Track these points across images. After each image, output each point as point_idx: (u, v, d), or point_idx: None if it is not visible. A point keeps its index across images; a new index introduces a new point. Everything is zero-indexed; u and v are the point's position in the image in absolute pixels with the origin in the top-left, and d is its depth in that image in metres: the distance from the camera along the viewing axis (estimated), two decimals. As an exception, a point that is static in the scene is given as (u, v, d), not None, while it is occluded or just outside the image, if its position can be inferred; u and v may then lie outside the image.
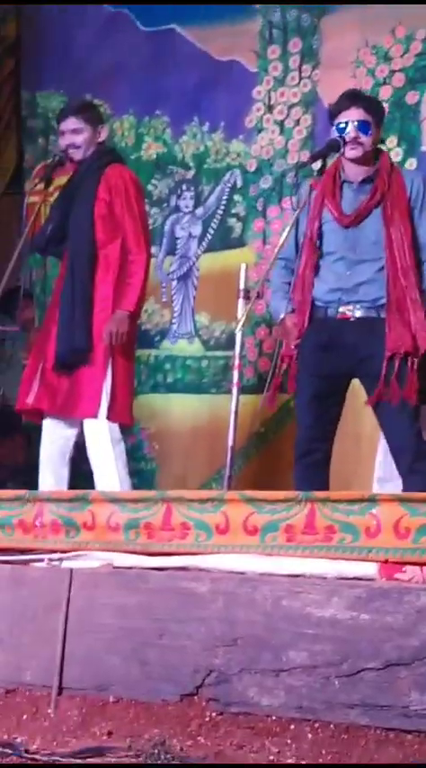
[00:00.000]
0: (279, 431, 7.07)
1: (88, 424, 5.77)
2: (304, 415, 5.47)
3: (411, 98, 6.73)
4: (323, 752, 3.99)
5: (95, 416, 5.72)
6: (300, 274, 5.48)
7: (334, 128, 5.41)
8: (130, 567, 4.89)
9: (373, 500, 4.60)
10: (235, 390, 5.61)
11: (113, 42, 7.78)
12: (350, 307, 5.29)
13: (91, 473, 5.87)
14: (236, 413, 5.70)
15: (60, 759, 3.93)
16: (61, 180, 6.21)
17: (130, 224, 5.79)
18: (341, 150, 5.44)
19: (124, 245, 5.77)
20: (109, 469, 5.71)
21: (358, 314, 5.27)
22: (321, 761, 3.93)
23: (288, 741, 4.09)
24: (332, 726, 4.11)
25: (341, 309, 5.30)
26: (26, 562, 5.12)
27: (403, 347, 5.12)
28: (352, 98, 5.49)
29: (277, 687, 4.25)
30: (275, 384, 5.64)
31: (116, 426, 5.80)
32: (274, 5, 7.41)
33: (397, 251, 5.18)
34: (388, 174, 5.31)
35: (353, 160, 5.39)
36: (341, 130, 5.33)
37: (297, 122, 7.31)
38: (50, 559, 5.04)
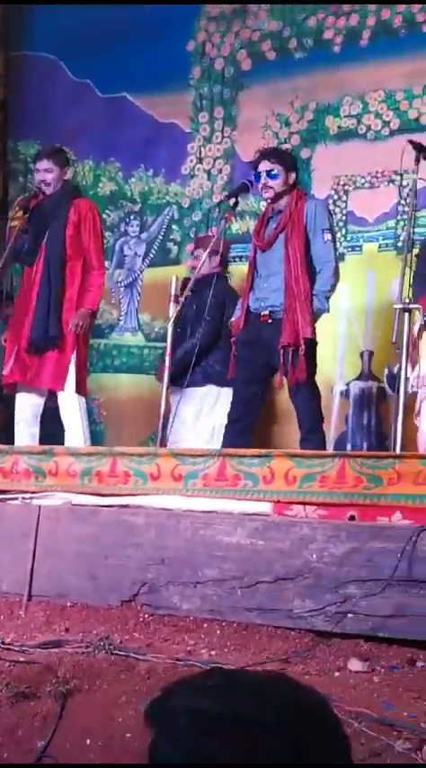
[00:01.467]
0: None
1: (62, 396, 5.77)
2: (236, 394, 5.48)
3: (304, 154, 6.76)
4: (228, 644, 4.03)
5: (62, 389, 5.73)
6: (243, 288, 5.58)
7: (254, 177, 5.47)
8: (85, 505, 4.92)
9: (269, 456, 4.65)
10: (166, 372, 5.59)
11: (78, 104, 7.74)
12: (266, 311, 5.31)
13: (56, 432, 5.86)
14: (167, 388, 5.70)
15: (29, 649, 3.92)
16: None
17: (93, 245, 5.80)
18: (252, 192, 5.53)
19: (86, 260, 5.78)
20: (77, 429, 5.72)
21: (271, 317, 5.30)
22: (226, 650, 3.96)
23: (202, 636, 4.12)
24: (235, 624, 4.17)
25: (262, 313, 5.31)
26: (5, 500, 5.12)
27: (292, 340, 5.14)
28: (263, 154, 5.53)
29: (194, 595, 4.31)
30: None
31: (83, 398, 5.83)
32: (205, 83, 7.45)
33: (293, 265, 5.20)
34: (293, 206, 5.32)
35: (268, 200, 5.43)
36: (257, 178, 5.39)
37: (220, 171, 7.33)
38: (23, 498, 5.04)
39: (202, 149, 7.52)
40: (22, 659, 3.81)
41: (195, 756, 1.11)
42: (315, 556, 4.08)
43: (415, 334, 5.08)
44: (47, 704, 3.49)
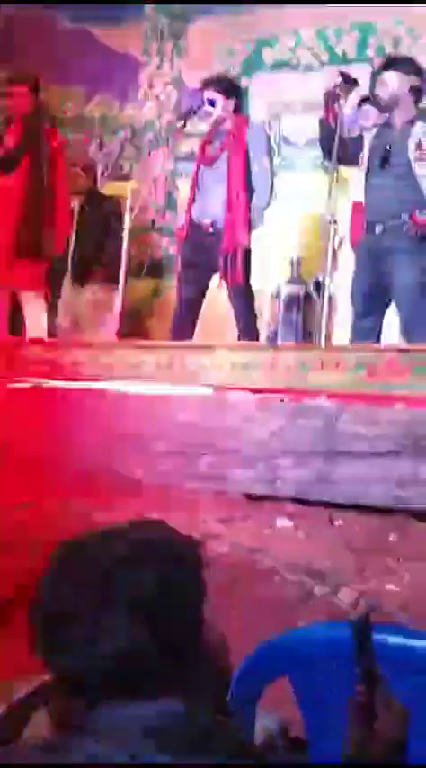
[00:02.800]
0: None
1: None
2: (180, 293, 5.45)
3: (244, 82, 6.59)
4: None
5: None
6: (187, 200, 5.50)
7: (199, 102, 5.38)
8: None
9: (211, 347, 4.68)
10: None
11: (47, 35, 7.51)
12: (209, 221, 5.25)
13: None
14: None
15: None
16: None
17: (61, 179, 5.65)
18: (198, 116, 5.44)
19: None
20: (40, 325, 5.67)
21: (212, 227, 5.25)
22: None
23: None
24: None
25: (204, 223, 5.25)
26: None
27: (231, 248, 5.12)
28: (205, 83, 5.42)
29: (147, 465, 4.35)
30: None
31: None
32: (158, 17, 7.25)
33: (234, 182, 5.14)
34: (235, 130, 5.22)
35: (209, 124, 5.35)
36: (200, 104, 5.30)
37: (168, 96, 7.21)
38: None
39: (153, 78, 7.35)
40: None
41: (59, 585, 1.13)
42: (252, 431, 4.13)
43: (336, 246, 5.08)
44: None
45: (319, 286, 5.13)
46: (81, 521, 3.66)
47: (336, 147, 4.74)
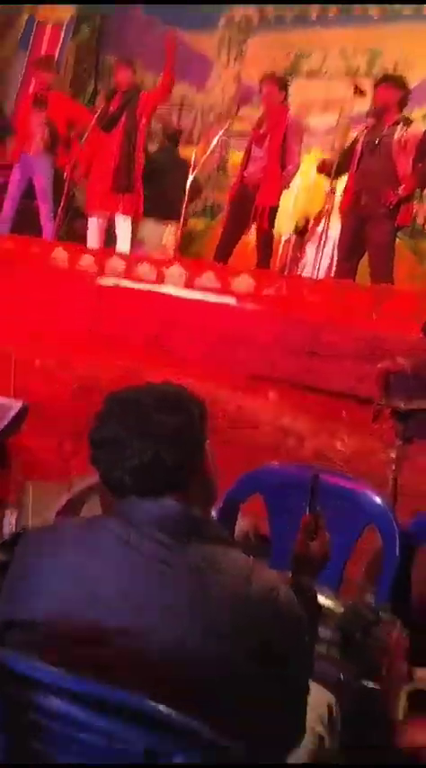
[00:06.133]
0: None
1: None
2: (226, 232, 5.25)
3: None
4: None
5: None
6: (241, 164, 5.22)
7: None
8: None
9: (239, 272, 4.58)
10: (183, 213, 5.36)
11: (145, 33, 7.15)
12: (252, 182, 4.99)
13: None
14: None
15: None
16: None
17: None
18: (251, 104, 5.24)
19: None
20: (127, 242, 5.53)
21: (254, 186, 5.00)
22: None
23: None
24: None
25: (249, 184, 5.00)
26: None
27: (264, 203, 4.97)
28: (265, 76, 5.17)
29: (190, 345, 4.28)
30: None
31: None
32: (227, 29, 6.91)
33: (273, 156, 4.94)
34: (280, 117, 4.99)
35: (264, 110, 5.12)
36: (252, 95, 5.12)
37: (229, 88, 6.94)
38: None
39: (221, 72, 7.04)
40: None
41: (108, 419, 1.13)
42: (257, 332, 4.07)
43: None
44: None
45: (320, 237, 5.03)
46: (134, 377, 3.67)
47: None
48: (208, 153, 5.44)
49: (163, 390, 1.19)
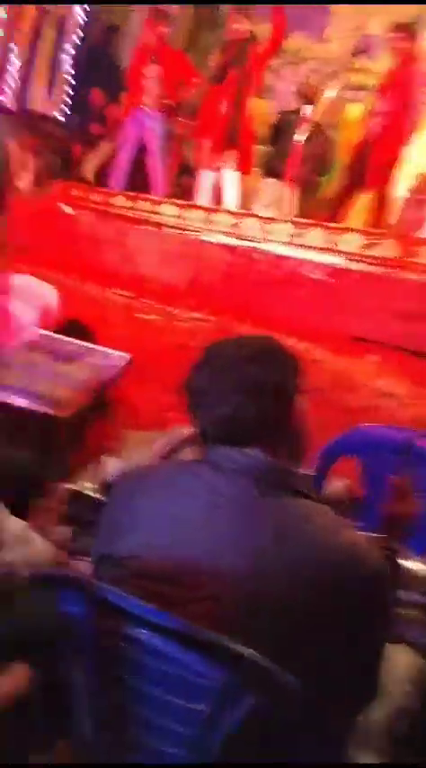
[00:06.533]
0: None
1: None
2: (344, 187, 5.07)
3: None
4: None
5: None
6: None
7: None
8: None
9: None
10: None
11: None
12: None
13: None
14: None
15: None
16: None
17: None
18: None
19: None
20: (233, 196, 5.49)
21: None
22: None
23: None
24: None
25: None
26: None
27: (387, 158, 4.72)
28: (395, 26, 4.91)
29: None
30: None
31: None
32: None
33: (397, 107, 4.70)
34: (403, 67, 4.69)
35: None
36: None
37: (349, 40, 6.61)
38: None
39: (341, 23, 6.68)
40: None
41: (203, 370, 1.15)
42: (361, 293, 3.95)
43: None
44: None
45: None
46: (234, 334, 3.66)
47: None
48: (319, 108, 5.27)
49: (258, 343, 1.19)
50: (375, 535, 1.35)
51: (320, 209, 5.37)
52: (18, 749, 1.37)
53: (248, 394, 1.13)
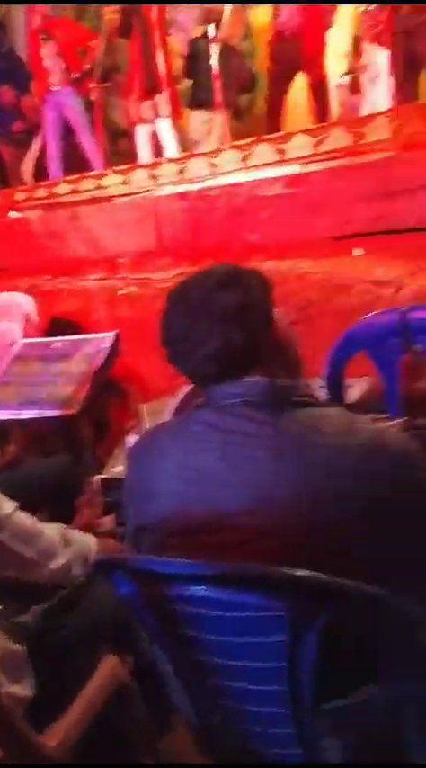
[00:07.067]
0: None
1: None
2: None
3: None
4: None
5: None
6: None
7: None
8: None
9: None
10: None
11: None
12: None
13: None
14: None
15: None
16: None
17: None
18: None
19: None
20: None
21: None
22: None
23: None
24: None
25: None
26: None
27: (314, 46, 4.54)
28: None
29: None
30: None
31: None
32: None
33: None
34: None
35: None
36: None
37: None
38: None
39: None
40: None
41: (175, 310, 1.11)
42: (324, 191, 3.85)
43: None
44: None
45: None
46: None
47: None
48: (224, 25, 5.06)
49: (215, 272, 1.15)
50: (398, 420, 1.32)
51: (257, 125, 5.22)
52: (123, 743, 1.40)
53: (228, 322, 1.09)
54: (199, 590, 1.00)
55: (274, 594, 0.96)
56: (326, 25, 4.63)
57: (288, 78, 4.78)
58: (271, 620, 0.98)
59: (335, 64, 5.00)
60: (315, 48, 4.60)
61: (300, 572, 0.94)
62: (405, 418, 1.30)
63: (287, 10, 4.68)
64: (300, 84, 4.83)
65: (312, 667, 0.99)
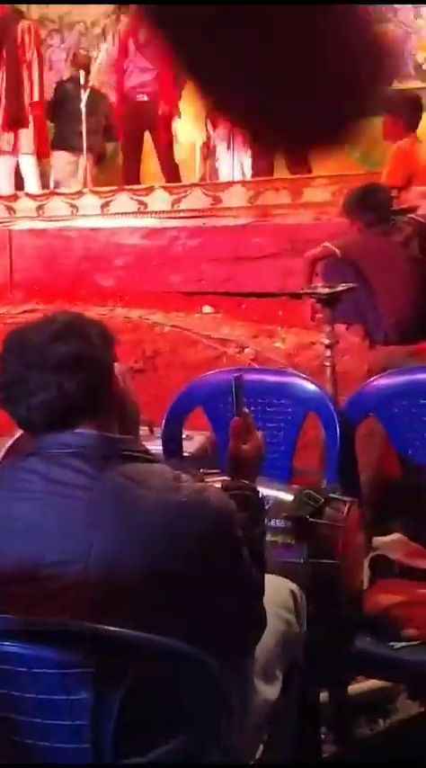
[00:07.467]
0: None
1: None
2: None
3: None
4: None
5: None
6: None
7: None
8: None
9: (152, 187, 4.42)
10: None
11: None
12: None
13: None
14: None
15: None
16: None
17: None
18: None
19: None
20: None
21: None
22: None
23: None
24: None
25: None
26: None
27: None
28: None
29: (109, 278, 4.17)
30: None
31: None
32: None
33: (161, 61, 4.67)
34: None
35: None
36: None
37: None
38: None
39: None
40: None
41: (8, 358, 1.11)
42: (180, 248, 4.00)
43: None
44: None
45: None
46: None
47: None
48: (94, 72, 5.16)
49: (55, 320, 1.15)
50: (221, 478, 1.37)
51: (118, 174, 5.31)
52: None
53: (65, 372, 1.09)
54: (5, 645, 0.97)
55: (77, 650, 0.96)
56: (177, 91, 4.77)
57: (139, 137, 4.94)
58: (76, 676, 0.97)
59: (194, 128, 5.27)
60: (170, 110, 4.77)
61: (104, 627, 0.95)
62: (227, 478, 1.35)
63: (135, 74, 4.82)
64: (150, 142, 4.98)
65: (115, 725, 0.99)
